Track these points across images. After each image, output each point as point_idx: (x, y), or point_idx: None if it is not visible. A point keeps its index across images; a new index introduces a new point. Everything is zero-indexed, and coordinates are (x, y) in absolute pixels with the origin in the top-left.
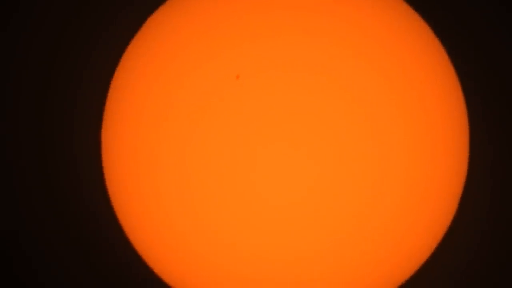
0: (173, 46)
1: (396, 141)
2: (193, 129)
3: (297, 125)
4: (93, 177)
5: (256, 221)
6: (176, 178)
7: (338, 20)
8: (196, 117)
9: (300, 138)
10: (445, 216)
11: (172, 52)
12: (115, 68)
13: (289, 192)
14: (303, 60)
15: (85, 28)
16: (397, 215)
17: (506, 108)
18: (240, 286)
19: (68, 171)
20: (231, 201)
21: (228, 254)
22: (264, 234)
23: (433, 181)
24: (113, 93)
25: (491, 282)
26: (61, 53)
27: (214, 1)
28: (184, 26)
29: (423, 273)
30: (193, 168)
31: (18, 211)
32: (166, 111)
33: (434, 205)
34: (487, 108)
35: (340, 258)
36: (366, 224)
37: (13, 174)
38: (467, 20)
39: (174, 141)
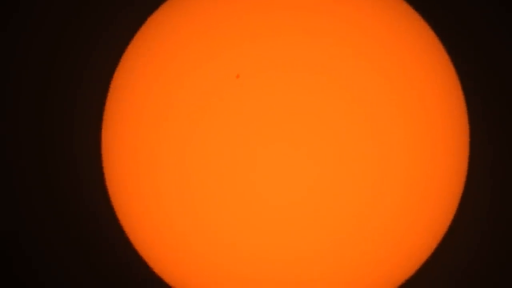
0: (173, 46)
1: (396, 140)
2: (193, 129)
3: (297, 125)
4: (93, 177)
5: (256, 221)
6: (176, 178)
7: (338, 20)
8: (196, 117)
9: (300, 138)
10: (445, 216)
11: (172, 52)
12: (115, 68)
13: (289, 192)
14: (303, 60)
15: (85, 28)
16: (397, 215)
17: (506, 108)
18: (240, 286)
19: (68, 171)
20: (231, 201)
21: (228, 254)
22: (264, 234)
23: (433, 181)
24: (113, 93)
25: (491, 282)
26: (61, 53)
27: (214, 1)
28: (184, 26)
29: (423, 273)
30: (193, 168)
31: (18, 211)
32: (166, 111)
33: (434, 205)
34: (487, 108)
35: (340, 258)
36: (366, 224)
37: (13, 174)
38: (467, 20)
39: (174, 141)
